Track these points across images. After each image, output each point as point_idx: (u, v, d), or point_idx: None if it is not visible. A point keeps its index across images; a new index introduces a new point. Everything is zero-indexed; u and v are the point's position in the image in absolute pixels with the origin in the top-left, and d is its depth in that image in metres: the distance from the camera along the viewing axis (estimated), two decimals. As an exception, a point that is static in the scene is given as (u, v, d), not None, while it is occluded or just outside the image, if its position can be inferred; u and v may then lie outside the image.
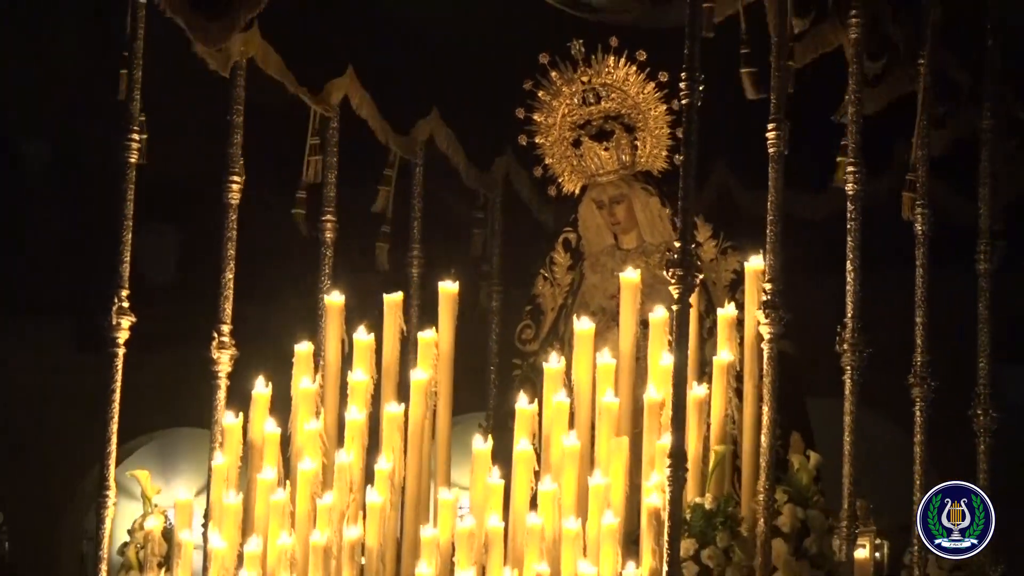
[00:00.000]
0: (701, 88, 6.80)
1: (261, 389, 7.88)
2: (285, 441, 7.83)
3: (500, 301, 9.46)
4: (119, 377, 7.54)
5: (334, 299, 8.15)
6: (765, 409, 7.24)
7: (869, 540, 7.64)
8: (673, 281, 6.67)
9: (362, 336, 7.90)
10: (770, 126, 7.16)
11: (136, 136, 7.64)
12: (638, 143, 8.44)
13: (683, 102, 6.83)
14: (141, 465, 9.23)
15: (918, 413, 7.97)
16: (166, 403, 13.29)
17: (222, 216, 8.21)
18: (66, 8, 11.49)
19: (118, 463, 7.67)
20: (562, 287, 8.71)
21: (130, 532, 7.70)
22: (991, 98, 8.54)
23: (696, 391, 7.32)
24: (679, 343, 6.71)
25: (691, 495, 7.15)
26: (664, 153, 8.41)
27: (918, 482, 8.01)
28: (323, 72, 8.47)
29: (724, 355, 7.57)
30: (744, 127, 7.42)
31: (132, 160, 7.65)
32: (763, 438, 7.22)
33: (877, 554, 7.69)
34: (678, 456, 6.60)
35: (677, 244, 6.70)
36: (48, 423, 12.54)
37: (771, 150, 7.17)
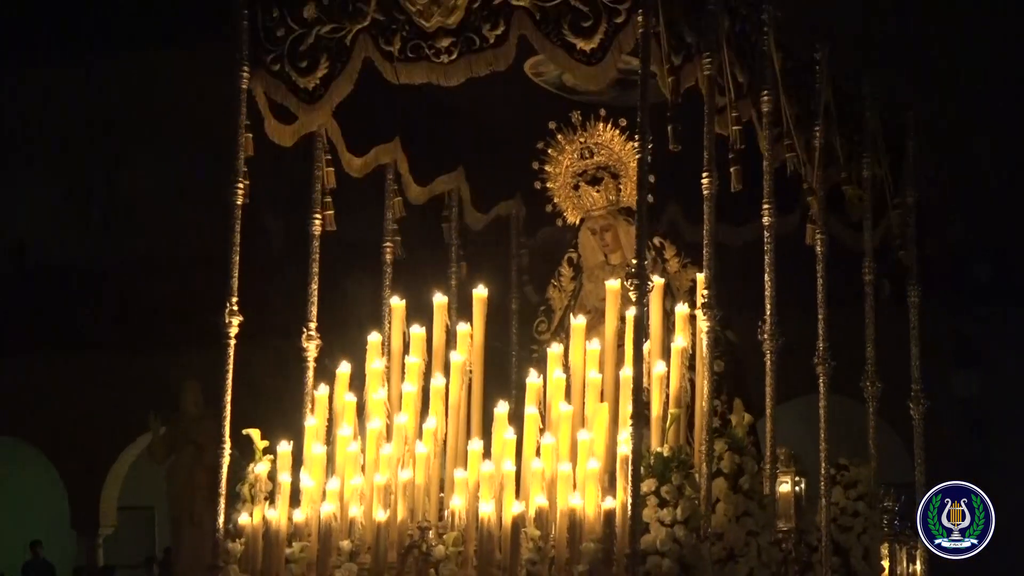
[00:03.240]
0: (651, 147, 6.68)
1: (343, 368, 7.72)
2: (360, 407, 7.68)
3: (518, 305, 9.32)
4: (231, 361, 7.37)
5: (396, 302, 8.01)
6: (705, 382, 7.04)
7: (790, 478, 7.38)
8: (632, 288, 6.52)
9: (416, 329, 7.80)
10: (704, 174, 6.96)
11: (241, 184, 7.43)
12: (621, 186, 8.36)
13: (637, 156, 6.68)
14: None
15: (821, 385, 7.79)
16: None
17: (308, 242, 8.04)
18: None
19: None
20: (567, 292, 8.60)
21: (245, 475, 7.51)
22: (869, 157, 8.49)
23: (658, 368, 7.15)
24: (637, 333, 6.57)
25: (654, 446, 6.98)
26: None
27: (823, 435, 7.82)
28: (372, 140, 8.24)
29: (679, 341, 7.39)
30: (689, 175, 7.19)
31: (238, 202, 7.45)
32: (704, 403, 7.03)
33: (797, 488, 7.42)
34: (637, 417, 6.47)
35: (634, 261, 6.55)
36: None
37: (705, 192, 6.99)
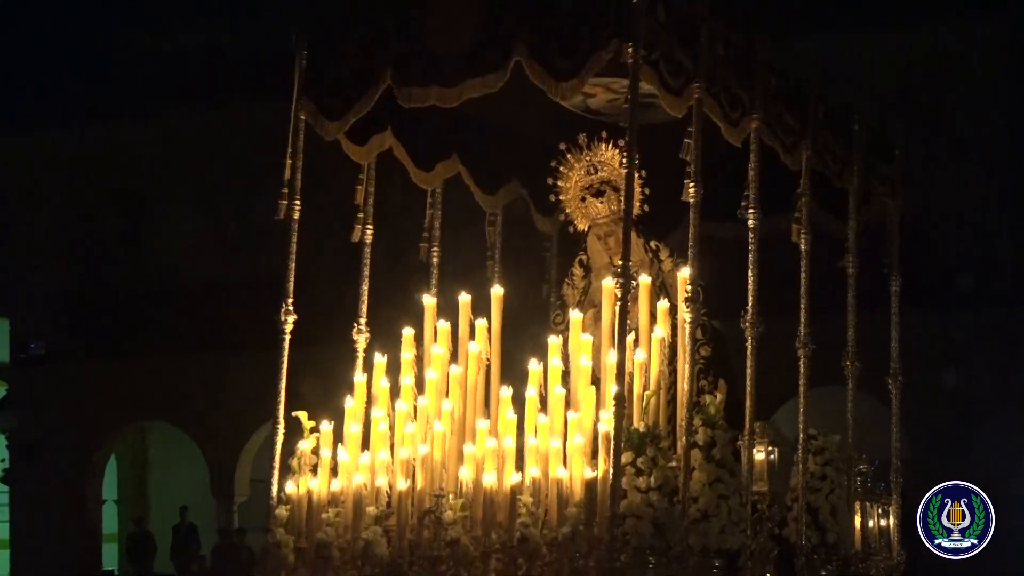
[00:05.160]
0: (637, 162, 6.72)
1: (379, 358, 7.70)
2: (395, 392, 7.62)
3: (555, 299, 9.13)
4: (286, 356, 7.48)
5: (428, 300, 7.94)
6: (685, 367, 6.96)
7: (764, 447, 7.24)
8: (616, 286, 6.50)
9: (442, 324, 7.73)
10: (691, 185, 6.84)
11: (297, 201, 7.48)
12: (621, 198, 8.07)
13: (624, 171, 6.66)
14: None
15: (802, 367, 7.63)
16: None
17: (359, 249, 8.03)
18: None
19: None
20: (578, 289, 8.49)
21: (294, 450, 7.50)
22: (858, 164, 8.30)
23: (638, 356, 7.02)
24: (620, 325, 6.46)
25: (635, 424, 6.88)
26: (638, 203, 8.06)
27: (802, 409, 7.70)
28: (435, 157, 8.21)
29: (658, 332, 7.27)
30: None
31: (295, 216, 7.52)
32: (684, 384, 6.95)
33: (771, 456, 7.27)
34: (619, 398, 6.42)
35: (619, 263, 6.45)
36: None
37: (691, 200, 6.89)
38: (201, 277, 22.04)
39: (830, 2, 18.79)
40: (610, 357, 6.99)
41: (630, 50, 6.56)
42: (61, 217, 23.33)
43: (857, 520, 7.97)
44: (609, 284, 7.50)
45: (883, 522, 8.17)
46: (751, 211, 7.31)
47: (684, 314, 6.98)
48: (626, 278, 6.49)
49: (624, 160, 7.86)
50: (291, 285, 7.58)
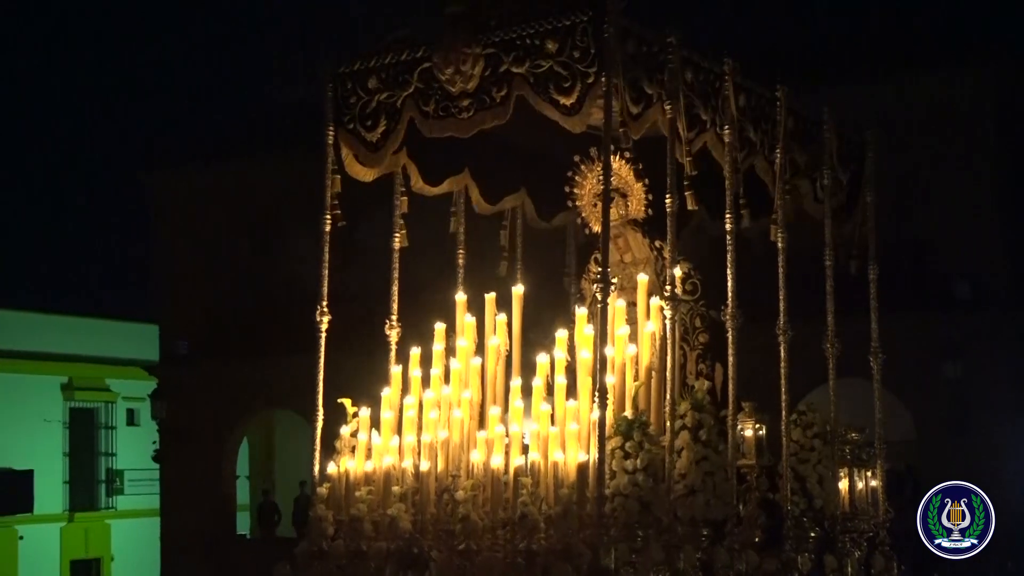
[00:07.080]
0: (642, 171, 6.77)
1: (413, 350, 7.56)
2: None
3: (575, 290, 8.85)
4: (322, 352, 7.44)
5: (460, 297, 7.82)
6: (670, 360, 6.68)
7: (751, 424, 6.88)
8: (596, 289, 6.34)
9: (468, 318, 7.59)
10: (667, 196, 6.51)
11: (329, 214, 7.36)
12: (628, 203, 7.90)
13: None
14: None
15: (783, 350, 7.22)
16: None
17: (390, 255, 7.84)
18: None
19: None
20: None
21: (339, 434, 7.26)
22: (828, 167, 7.94)
23: (630, 350, 6.65)
24: (602, 321, 6.08)
25: (627, 412, 6.52)
26: (643, 207, 7.77)
27: (783, 390, 7.32)
28: (445, 173, 7.93)
29: (649, 327, 6.90)
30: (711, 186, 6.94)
31: (327, 228, 7.42)
32: (670, 373, 6.65)
33: (760, 433, 6.89)
34: (602, 390, 6.20)
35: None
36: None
37: (668, 210, 6.61)
38: (317, 290, 22.03)
39: (847, 57, 19.72)
40: (607, 351, 6.67)
41: (603, 79, 6.29)
42: (202, 240, 23.69)
43: (845, 484, 7.49)
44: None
45: (872, 484, 7.68)
46: (728, 216, 7.00)
47: (667, 310, 6.61)
48: (605, 282, 6.27)
49: (633, 168, 7.61)
50: (326, 289, 7.37)
